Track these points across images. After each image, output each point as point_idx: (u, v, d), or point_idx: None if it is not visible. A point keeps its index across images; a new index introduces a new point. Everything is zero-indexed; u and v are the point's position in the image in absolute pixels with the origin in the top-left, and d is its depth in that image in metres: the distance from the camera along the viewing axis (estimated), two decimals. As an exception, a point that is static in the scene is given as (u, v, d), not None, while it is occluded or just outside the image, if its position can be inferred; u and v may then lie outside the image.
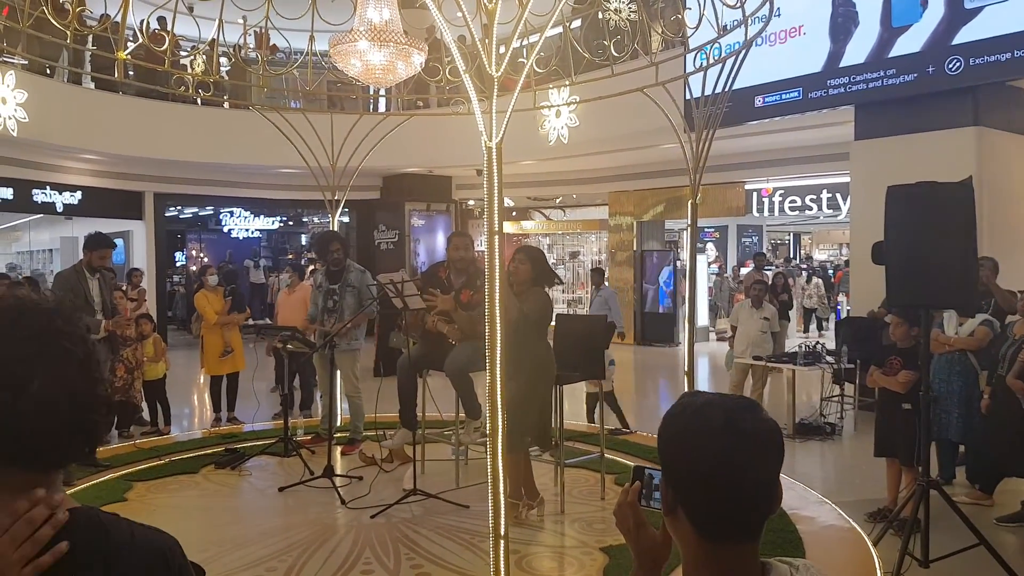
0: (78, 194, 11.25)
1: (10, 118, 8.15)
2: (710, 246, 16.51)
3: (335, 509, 4.21)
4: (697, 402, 0.97)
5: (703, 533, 0.94)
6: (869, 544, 3.62)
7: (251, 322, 7.23)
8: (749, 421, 0.93)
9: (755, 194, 11.53)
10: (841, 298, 13.67)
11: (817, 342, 6.86)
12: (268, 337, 5.94)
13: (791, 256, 19.31)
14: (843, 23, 7.08)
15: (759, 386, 6.57)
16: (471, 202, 14.04)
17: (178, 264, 17.06)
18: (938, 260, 3.14)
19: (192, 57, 8.79)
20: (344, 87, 7.38)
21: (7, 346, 0.82)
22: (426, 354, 4.53)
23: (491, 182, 2.51)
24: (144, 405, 6.35)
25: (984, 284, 4.53)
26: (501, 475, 2.50)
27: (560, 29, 5.56)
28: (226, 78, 9.12)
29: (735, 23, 4.35)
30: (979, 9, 6.17)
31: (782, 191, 11.35)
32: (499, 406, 2.50)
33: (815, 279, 14.33)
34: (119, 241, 11.00)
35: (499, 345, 2.52)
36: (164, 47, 4.47)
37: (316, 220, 16.56)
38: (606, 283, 13.08)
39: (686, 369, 4.71)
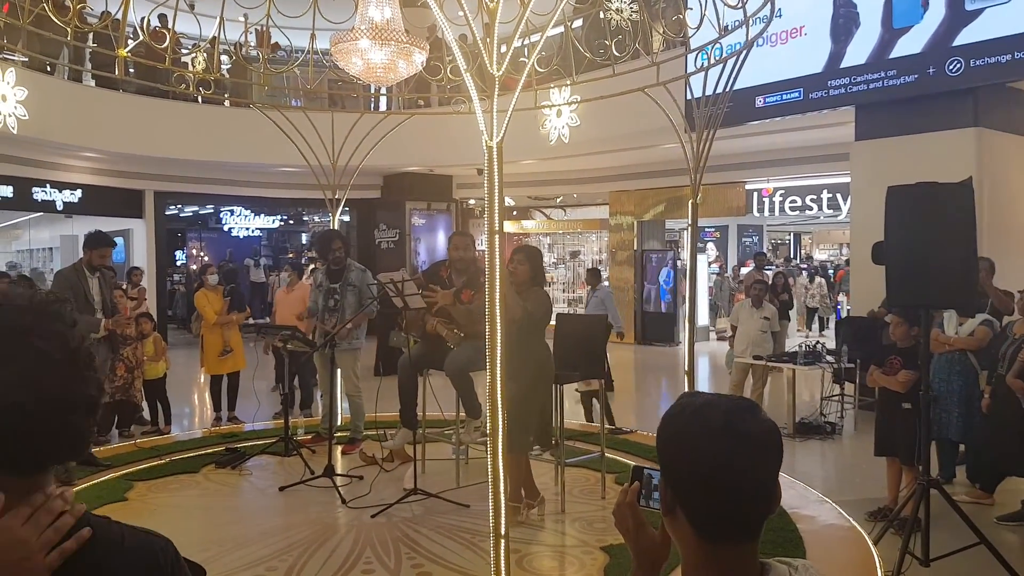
0: (78, 192, 11.24)
1: (10, 115, 8.15)
2: (710, 246, 16.52)
3: (336, 508, 4.21)
4: (696, 403, 0.97)
5: (702, 533, 0.94)
6: (869, 543, 3.62)
7: (251, 321, 7.23)
8: (748, 422, 0.93)
9: (756, 194, 11.54)
10: (841, 297, 13.68)
11: (817, 342, 6.86)
12: (268, 336, 5.94)
13: (791, 256, 19.32)
14: (844, 24, 7.08)
15: (759, 386, 6.57)
16: (472, 201, 14.04)
17: (178, 263, 17.06)
18: (938, 260, 3.14)
19: (193, 55, 8.79)
20: (345, 86, 7.38)
21: None
22: (427, 353, 4.53)
23: (492, 181, 2.51)
24: (144, 404, 6.35)
25: (980, 285, 4.54)
26: (501, 474, 2.50)
27: (561, 29, 5.56)
28: (227, 76, 9.12)
29: (736, 23, 4.35)
30: (980, 11, 6.17)
31: (782, 191, 11.35)
32: (499, 406, 2.51)
33: (818, 278, 14.35)
34: (119, 240, 11.00)
35: (499, 345, 2.52)
36: (165, 45, 4.46)
37: (317, 219, 16.56)
38: (605, 283, 13.08)
39: (686, 368, 4.71)
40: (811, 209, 11.29)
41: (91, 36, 6.05)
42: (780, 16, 6.23)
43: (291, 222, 17.33)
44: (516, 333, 3.21)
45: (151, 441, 5.80)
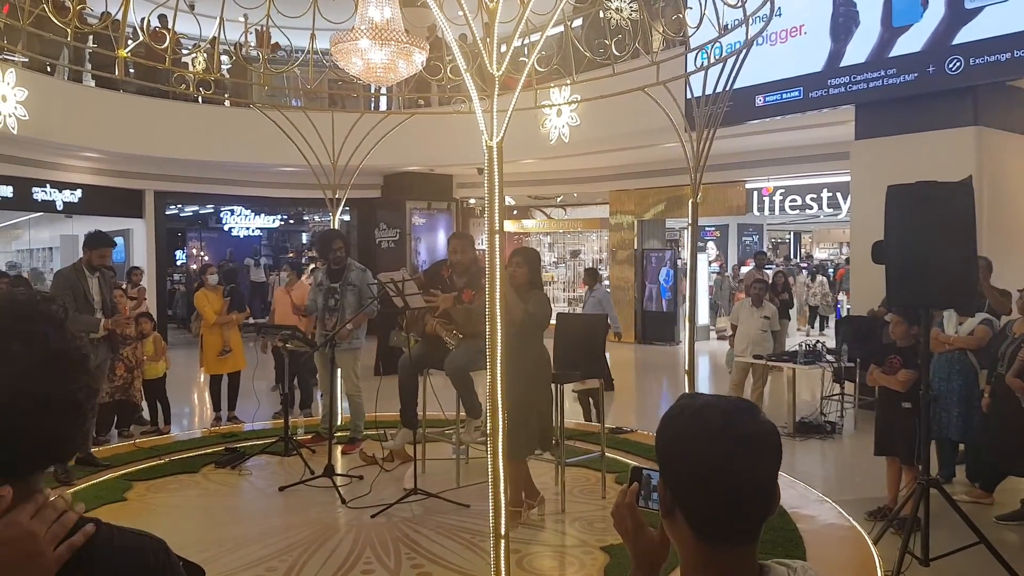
0: (78, 192, 11.25)
1: (10, 116, 8.15)
2: (711, 245, 16.52)
3: (335, 508, 4.21)
4: (695, 404, 0.97)
5: (701, 535, 0.94)
6: (869, 543, 3.62)
7: (251, 321, 7.23)
8: (747, 423, 0.93)
9: (756, 193, 11.54)
10: (841, 296, 13.68)
11: (817, 341, 6.86)
12: (268, 336, 5.94)
13: (791, 255, 19.32)
14: (844, 23, 7.08)
15: (759, 385, 6.57)
16: (472, 201, 14.04)
17: (178, 263, 17.06)
18: (938, 259, 3.14)
19: (193, 55, 8.79)
20: (345, 85, 7.38)
21: None
22: (427, 353, 4.53)
23: (492, 181, 2.51)
24: (144, 404, 6.35)
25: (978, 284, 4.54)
26: (501, 474, 2.50)
27: (561, 28, 5.56)
28: (227, 76, 9.12)
29: (736, 22, 4.35)
30: (979, 9, 6.17)
31: (783, 190, 11.35)
32: (499, 406, 2.51)
33: (819, 277, 14.38)
34: (119, 239, 11.00)
35: (499, 344, 2.52)
36: (165, 45, 4.46)
37: (317, 218, 16.56)
38: (605, 283, 13.07)
39: (687, 368, 4.71)
40: (811, 208, 11.28)
41: (91, 37, 6.05)
42: (780, 15, 6.22)
43: (291, 222, 17.33)
44: (516, 336, 3.20)
45: (150, 441, 5.80)
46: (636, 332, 12.41)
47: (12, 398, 0.78)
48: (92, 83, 9.90)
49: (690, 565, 0.96)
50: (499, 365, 2.51)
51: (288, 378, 5.96)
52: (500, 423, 2.51)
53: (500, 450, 2.50)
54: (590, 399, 6.42)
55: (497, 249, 2.52)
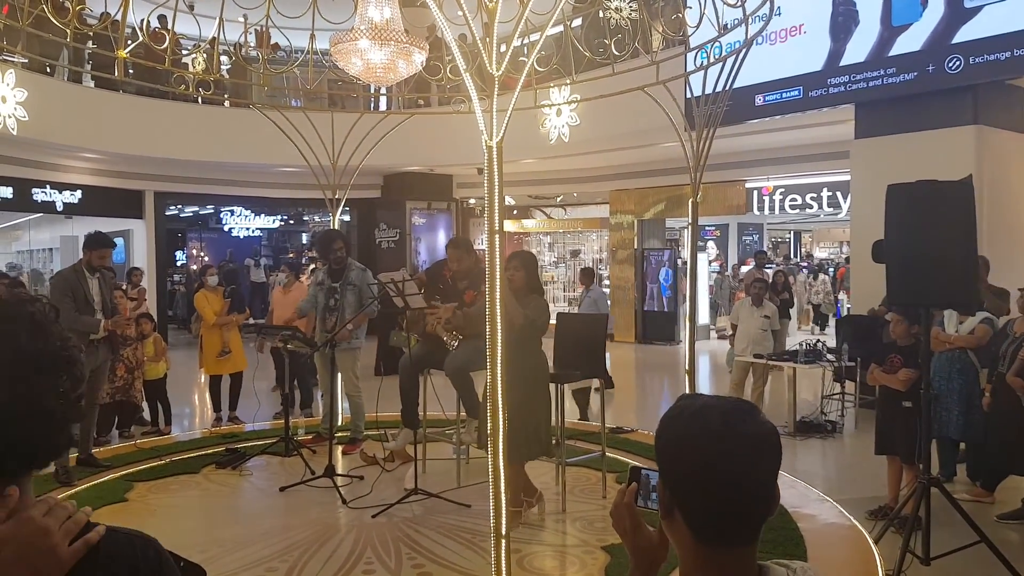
0: (78, 193, 11.25)
1: (10, 117, 8.15)
2: (711, 244, 16.52)
3: (336, 509, 4.22)
4: (695, 405, 0.96)
5: (700, 536, 0.94)
6: (870, 542, 3.62)
7: (251, 321, 7.23)
8: (747, 424, 0.93)
9: (756, 192, 11.53)
10: (842, 296, 13.68)
11: (818, 340, 6.86)
12: (268, 337, 5.93)
13: (790, 254, 19.33)
14: (843, 22, 7.08)
15: (760, 384, 6.57)
16: (472, 200, 14.04)
17: (178, 263, 17.06)
18: (938, 258, 3.14)
19: (193, 55, 8.78)
20: (345, 86, 7.38)
21: None
22: (427, 353, 4.53)
23: (492, 181, 2.51)
24: (144, 405, 6.35)
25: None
26: (502, 474, 2.50)
27: (561, 28, 5.56)
28: (227, 77, 9.12)
29: (736, 22, 4.35)
30: (979, 8, 6.17)
31: (783, 189, 11.35)
32: (500, 406, 2.51)
33: (821, 276, 14.41)
34: (119, 240, 10.99)
35: (499, 345, 2.52)
36: (164, 45, 4.46)
37: (317, 219, 16.56)
38: (604, 282, 13.04)
39: (687, 367, 4.71)
40: (811, 207, 11.28)
41: (90, 37, 6.05)
42: (779, 14, 6.21)
43: (291, 222, 17.33)
44: (515, 342, 3.19)
45: (151, 442, 5.80)
46: (636, 332, 12.41)
47: None
48: (92, 84, 9.90)
49: (689, 566, 0.96)
50: (499, 365, 2.51)
51: (288, 378, 5.96)
52: (500, 423, 2.51)
53: (500, 450, 2.51)
54: (588, 398, 6.43)
55: (497, 249, 2.52)
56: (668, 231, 14.13)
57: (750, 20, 4.20)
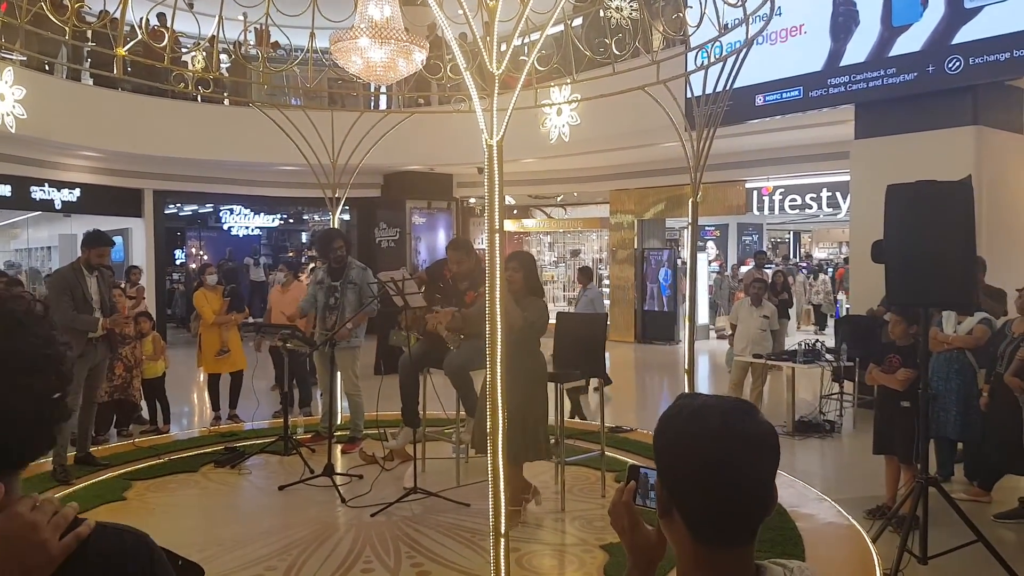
0: (77, 191, 11.23)
1: (8, 115, 8.14)
2: (710, 244, 16.53)
3: (335, 508, 4.22)
4: (694, 404, 0.96)
5: (698, 536, 0.94)
6: (868, 541, 3.63)
7: (250, 320, 7.22)
8: (746, 424, 0.93)
9: (755, 192, 11.54)
10: (841, 296, 13.70)
11: (817, 340, 6.87)
12: (268, 336, 5.93)
13: (789, 255, 19.34)
14: (844, 22, 7.08)
15: (759, 384, 6.58)
16: (472, 200, 14.03)
17: (177, 262, 17.04)
18: (937, 259, 3.15)
19: (192, 54, 8.77)
20: (345, 84, 7.38)
21: None
22: (427, 352, 4.53)
23: (492, 180, 2.51)
24: (143, 404, 6.35)
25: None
26: (501, 473, 2.50)
27: (561, 27, 5.56)
28: (226, 75, 9.10)
29: (736, 22, 4.35)
30: (979, 9, 6.17)
31: (782, 189, 11.35)
32: (499, 405, 2.51)
33: (822, 276, 14.44)
34: (118, 239, 11.00)
35: (499, 344, 2.52)
36: (164, 43, 4.46)
37: (316, 218, 16.54)
38: (605, 282, 13.03)
39: (686, 367, 4.71)
40: (811, 207, 11.29)
41: (89, 35, 6.04)
42: (780, 14, 6.21)
43: (291, 221, 17.32)
44: (513, 343, 3.19)
45: (150, 440, 5.80)
46: (636, 331, 12.41)
47: None
48: (90, 82, 9.89)
49: (687, 565, 0.96)
50: (499, 365, 2.51)
51: (288, 377, 5.95)
52: (500, 422, 2.51)
53: (500, 449, 2.51)
54: (580, 396, 6.43)
55: (497, 248, 2.52)
56: (668, 231, 14.14)
57: (750, 20, 4.20)
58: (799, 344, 6.41)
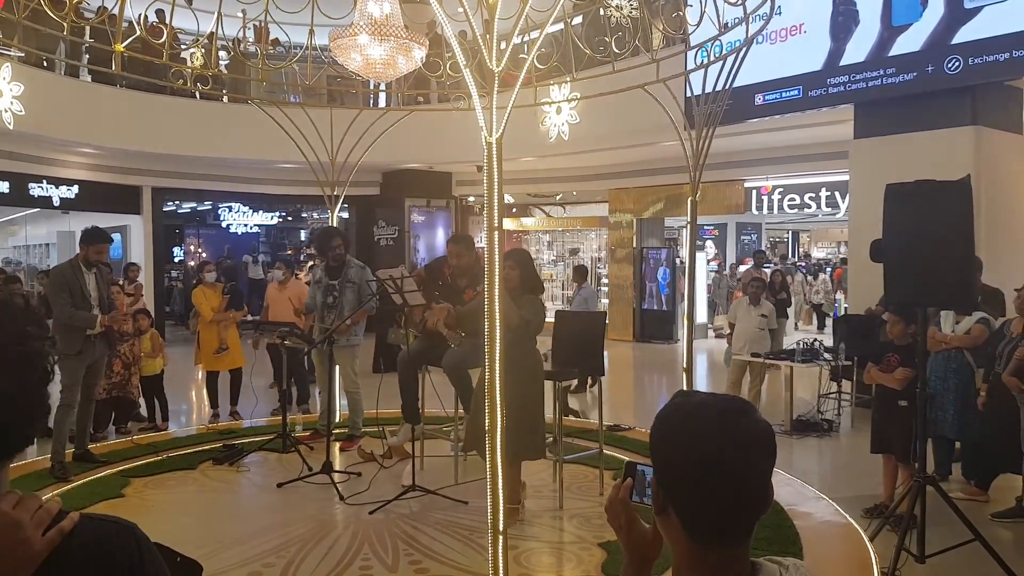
0: (75, 188, 11.21)
1: (6, 111, 8.12)
2: (709, 243, 16.54)
3: (334, 505, 4.22)
4: (690, 403, 0.96)
5: (693, 534, 0.94)
6: (866, 540, 3.63)
7: (249, 318, 7.20)
8: (742, 423, 0.92)
9: (754, 192, 11.55)
10: (839, 296, 13.71)
11: (815, 339, 6.88)
12: (266, 333, 5.92)
13: (787, 254, 19.36)
14: (843, 22, 7.08)
15: (757, 383, 6.59)
16: (471, 198, 14.02)
17: (176, 259, 17.02)
18: (936, 258, 3.15)
19: (191, 50, 8.75)
20: (344, 82, 7.36)
21: None
22: (425, 349, 4.53)
23: (491, 178, 2.50)
24: (141, 401, 6.34)
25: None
26: (499, 471, 2.50)
27: (561, 25, 5.55)
28: (225, 72, 9.08)
29: (736, 21, 4.35)
30: (978, 9, 6.17)
31: (781, 189, 11.36)
32: (498, 404, 2.51)
33: (822, 275, 14.46)
34: (116, 236, 10.97)
35: (499, 342, 2.52)
36: (162, 40, 4.45)
37: (315, 216, 16.54)
38: (603, 280, 13.02)
39: (684, 366, 4.72)
40: (810, 207, 11.30)
41: (88, 31, 6.02)
42: (780, 14, 6.21)
43: (289, 219, 17.31)
44: (510, 342, 3.19)
45: (148, 437, 5.80)
46: (634, 330, 12.42)
47: None
48: (89, 78, 9.86)
49: (682, 563, 0.96)
50: (497, 363, 2.51)
51: (286, 375, 5.95)
52: (499, 420, 2.51)
53: (498, 447, 2.51)
54: (568, 393, 6.42)
55: (496, 246, 2.52)
56: (667, 230, 14.15)
57: (750, 19, 4.20)
58: (797, 343, 6.41)
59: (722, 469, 0.90)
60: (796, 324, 13.50)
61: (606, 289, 13.13)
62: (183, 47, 8.99)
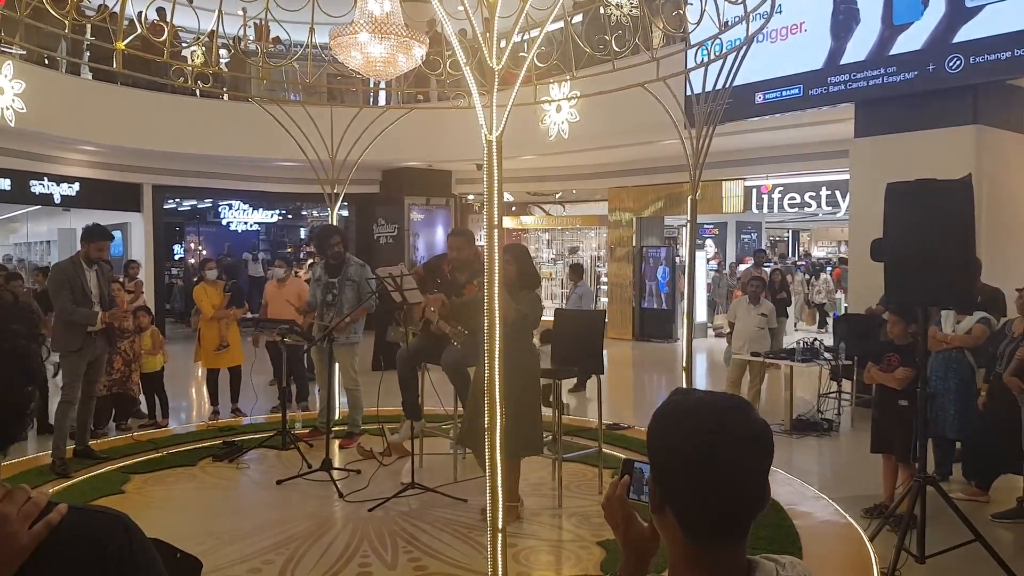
0: (76, 185, 11.21)
1: (8, 108, 8.12)
2: (709, 242, 16.53)
3: (333, 502, 4.22)
4: (688, 401, 0.96)
5: (690, 532, 0.94)
6: (865, 540, 3.64)
7: (249, 315, 7.21)
8: (740, 421, 0.92)
9: (755, 191, 11.54)
10: (839, 295, 13.71)
11: (815, 338, 6.88)
12: (266, 331, 5.92)
13: (787, 253, 19.34)
14: (844, 20, 7.07)
15: (757, 382, 6.59)
16: (471, 196, 14.02)
17: (176, 257, 17.03)
18: (936, 258, 3.15)
19: (192, 48, 8.75)
20: (344, 80, 7.35)
21: None
22: (424, 347, 4.53)
23: (491, 176, 2.50)
24: (142, 398, 6.35)
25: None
26: (499, 469, 2.50)
27: (561, 24, 5.54)
28: (225, 70, 9.07)
29: (736, 19, 4.35)
30: (980, 8, 6.16)
31: (781, 188, 11.35)
32: (497, 402, 2.51)
33: (823, 275, 14.45)
34: (117, 233, 10.98)
35: (498, 340, 2.52)
36: (163, 38, 4.44)
37: (315, 213, 16.54)
38: (603, 279, 13.02)
39: (684, 365, 4.72)
40: (810, 206, 11.29)
41: (89, 29, 6.02)
42: (780, 12, 6.20)
43: (289, 216, 17.32)
44: (506, 337, 3.19)
45: (148, 434, 5.81)
46: (634, 329, 12.42)
47: None
48: (90, 76, 9.86)
49: (679, 561, 0.96)
50: (497, 360, 2.51)
51: (286, 372, 5.95)
52: (498, 417, 2.51)
53: (497, 444, 2.51)
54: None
55: (496, 244, 2.52)
56: (667, 229, 14.14)
57: (751, 17, 4.19)
58: (797, 342, 6.41)
59: (719, 467, 0.90)
60: (796, 324, 13.49)
61: (605, 288, 13.13)
62: (184, 45, 8.99)
